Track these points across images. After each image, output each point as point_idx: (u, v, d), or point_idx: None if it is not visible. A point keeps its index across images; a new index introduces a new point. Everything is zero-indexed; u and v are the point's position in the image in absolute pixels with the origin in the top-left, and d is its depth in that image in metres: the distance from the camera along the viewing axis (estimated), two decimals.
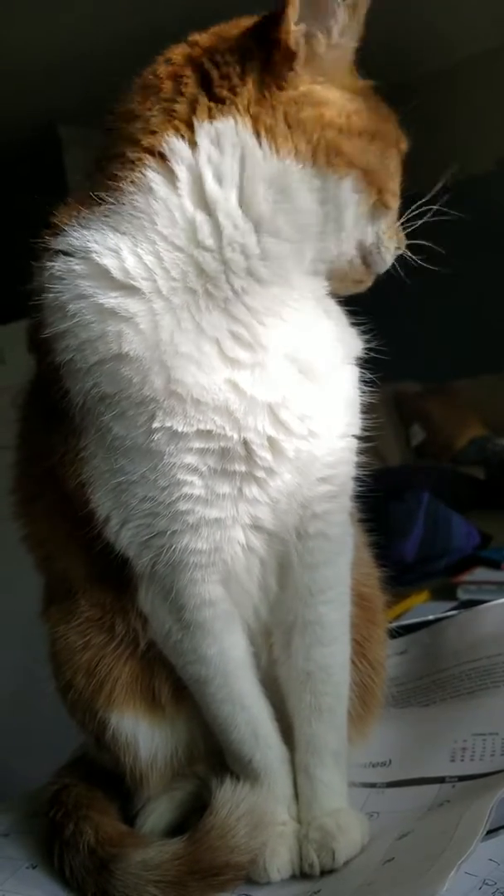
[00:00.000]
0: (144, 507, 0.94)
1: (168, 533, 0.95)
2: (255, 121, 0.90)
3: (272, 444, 0.93)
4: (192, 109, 0.91)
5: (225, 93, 0.91)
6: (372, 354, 1.04)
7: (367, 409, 1.06)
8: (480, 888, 0.84)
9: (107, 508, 0.97)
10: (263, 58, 0.91)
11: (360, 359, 1.04)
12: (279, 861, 0.99)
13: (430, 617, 1.44)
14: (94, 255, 0.90)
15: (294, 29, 0.89)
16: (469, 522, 2.43)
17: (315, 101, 0.92)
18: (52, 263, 0.92)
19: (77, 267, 0.91)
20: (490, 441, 3.45)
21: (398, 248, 1.02)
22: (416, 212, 1.03)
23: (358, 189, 0.93)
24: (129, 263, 0.90)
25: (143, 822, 1.10)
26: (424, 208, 1.03)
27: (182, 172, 0.90)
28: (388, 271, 1.03)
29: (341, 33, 0.92)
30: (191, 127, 0.90)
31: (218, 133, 0.90)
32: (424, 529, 2.33)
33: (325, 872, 0.97)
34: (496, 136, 3.88)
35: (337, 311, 1.03)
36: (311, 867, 0.98)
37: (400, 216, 1.03)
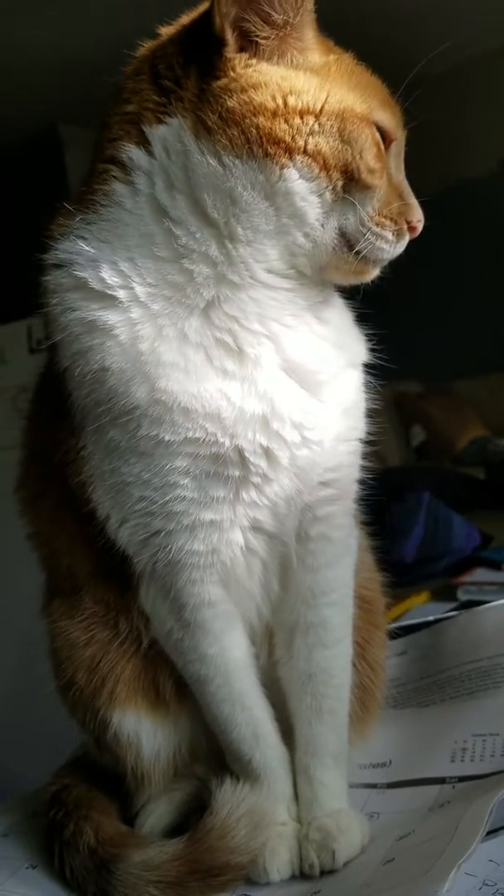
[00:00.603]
0: (140, 506, 0.95)
1: (164, 533, 0.95)
2: (195, 118, 0.88)
3: (266, 452, 0.93)
4: (142, 110, 0.90)
5: (169, 84, 0.89)
6: (376, 358, 1.03)
7: (371, 414, 1.05)
8: (480, 888, 0.84)
9: (106, 507, 0.97)
10: (202, 48, 0.89)
11: (365, 364, 1.03)
12: (279, 861, 0.99)
13: (431, 618, 1.44)
14: (75, 268, 0.92)
15: (223, 13, 0.86)
16: (469, 523, 2.42)
17: (243, 87, 0.87)
18: (47, 277, 0.94)
19: (64, 280, 0.93)
20: (490, 441, 3.44)
21: (399, 229, 0.94)
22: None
23: (309, 176, 0.88)
24: (105, 273, 0.90)
25: (142, 822, 1.11)
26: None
27: (141, 183, 0.91)
28: (404, 259, 0.98)
29: (281, 12, 0.88)
30: (143, 132, 0.90)
31: (165, 137, 0.89)
32: (425, 530, 2.33)
33: (324, 873, 0.97)
34: (498, 136, 3.88)
35: (341, 315, 1.02)
36: (311, 868, 0.98)
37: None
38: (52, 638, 1.11)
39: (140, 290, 0.90)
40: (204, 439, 0.91)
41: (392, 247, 0.94)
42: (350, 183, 0.89)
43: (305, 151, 0.87)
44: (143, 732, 1.08)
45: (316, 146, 0.88)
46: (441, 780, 1.06)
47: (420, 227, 0.95)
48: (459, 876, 0.81)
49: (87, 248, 0.91)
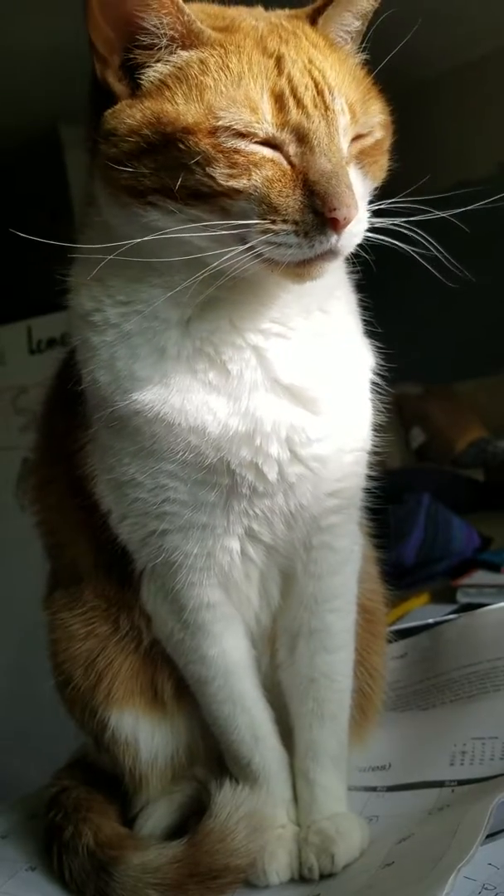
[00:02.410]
0: (136, 506, 0.96)
1: (158, 532, 0.96)
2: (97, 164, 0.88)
3: (254, 466, 0.93)
4: (88, 139, 0.90)
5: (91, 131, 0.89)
6: (377, 360, 1.02)
7: (377, 426, 1.04)
8: (480, 892, 0.83)
9: (108, 502, 0.99)
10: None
11: (372, 374, 1.02)
12: (278, 864, 0.99)
13: (430, 620, 1.43)
14: (70, 294, 0.95)
15: (102, 64, 0.85)
16: (469, 525, 2.42)
17: (103, 137, 0.85)
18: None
19: (69, 304, 0.96)
20: (490, 443, 3.44)
21: (302, 228, 0.81)
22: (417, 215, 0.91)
23: (169, 210, 0.83)
24: (82, 298, 0.94)
25: (142, 824, 1.10)
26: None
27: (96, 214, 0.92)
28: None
29: (143, 57, 0.84)
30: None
31: (93, 174, 0.90)
32: (424, 532, 2.33)
33: (324, 876, 0.97)
34: (498, 137, 3.88)
35: (344, 323, 0.99)
36: (310, 871, 0.98)
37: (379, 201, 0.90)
38: (51, 629, 1.12)
39: (111, 312, 0.92)
40: (188, 450, 0.91)
41: (301, 248, 0.82)
42: (214, 200, 0.82)
43: (155, 191, 0.83)
44: (141, 733, 1.08)
45: (159, 183, 0.82)
46: (440, 784, 1.06)
47: (339, 215, 0.81)
48: (459, 880, 0.81)
49: (73, 277, 0.95)
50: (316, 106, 0.83)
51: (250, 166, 0.81)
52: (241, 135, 0.82)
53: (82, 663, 1.08)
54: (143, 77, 0.85)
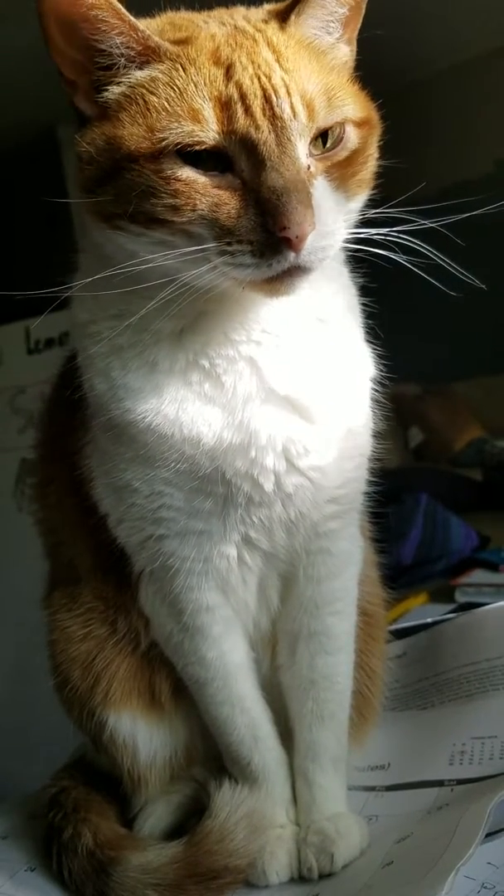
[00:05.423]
0: (133, 511, 0.96)
1: (155, 537, 0.96)
2: None
3: (249, 477, 0.92)
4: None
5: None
6: (376, 361, 1.02)
7: (378, 434, 1.03)
8: (479, 891, 0.84)
9: (106, 505, 0.99)
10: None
11: (372, 382, 1.01)
12: (278, 864, 0.99)
13: (429, 619, 1.43)
14: (70, 304, 0.96)
15: (75, 88, 0.85)
16: (467, 524, 2.42)
17: (76, 161, 0.86)
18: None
19: (69, 312, 0.97)
20: (488, 443, 3.43)
21: (258, 248, 0.79)
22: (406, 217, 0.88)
23: (135, 233, 0.83)
24: (77, 309, 0.95)
25: (141, 824, 1.11)
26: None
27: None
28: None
29: (106, 78, 0.84)
30: None
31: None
32: (423, 531, 2.33)
33: (323, 876, 0.97)
34: (496, 137, 3.88)
35: (342, 330, 0.98)
36: (309, 871, 0.98)
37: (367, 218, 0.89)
38: (49, 630, 1.12)
39: (104, 325, 0.92)
40: (182, 460, 0.91)
41: (259, 267, 0.80)
42: (172, 223, 0.81)
43: (118, 216, 0.82)
44: (139, 734, 1.08)
45: (120, 209, 0.82)
46: (439, 783, 1.06)
47: (290, 234, 0.78)
48: (458, 879, 0.81)
49: (72, 284, 0.93)
50: (265, 114, 0.80)
51: (194, 193, 0.80)
52: (187, 154, 0.80)
53: (80, 664, 1.08)
54: (103, 99, 0.84)
